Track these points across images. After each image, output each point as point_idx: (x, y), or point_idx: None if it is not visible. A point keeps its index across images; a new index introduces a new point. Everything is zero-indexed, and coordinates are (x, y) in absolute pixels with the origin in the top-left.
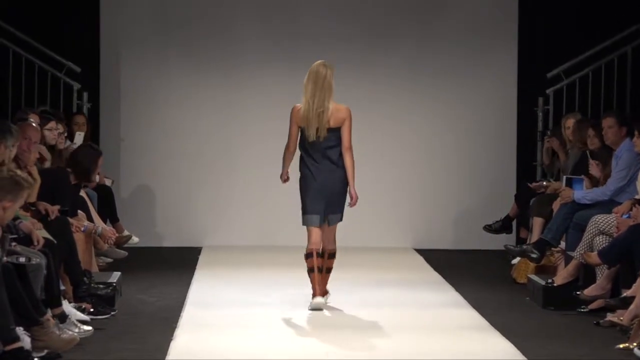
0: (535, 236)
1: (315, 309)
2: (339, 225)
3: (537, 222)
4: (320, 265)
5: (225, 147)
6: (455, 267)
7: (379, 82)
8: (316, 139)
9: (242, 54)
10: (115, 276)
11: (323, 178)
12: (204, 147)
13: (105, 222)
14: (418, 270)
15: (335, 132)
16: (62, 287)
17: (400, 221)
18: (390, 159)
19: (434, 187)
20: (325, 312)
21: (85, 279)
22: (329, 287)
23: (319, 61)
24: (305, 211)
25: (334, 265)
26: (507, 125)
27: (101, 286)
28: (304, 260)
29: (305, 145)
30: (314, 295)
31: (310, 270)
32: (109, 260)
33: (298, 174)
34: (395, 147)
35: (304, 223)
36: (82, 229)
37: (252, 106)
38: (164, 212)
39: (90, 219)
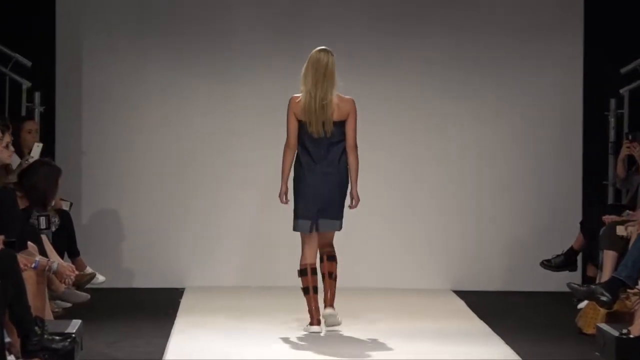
0: (606, 274)
1: (315, 332)
2: (361, 261)
3: (608, 257)
4: (315, 285)
5: (213, 163)
6: (505, 313)
7: (405, 82)
8: (323, 134)
9: (234, 46)
10: (74, 325)
11: (319, 180)
12: (186, 162)
13: (62, 256)
14: (458, 317)
15: (338, 127)
16: (7, 339)
17: (435, 257)
18: (422, 179)
19: (477, 213)
20: None
21: (36, 328)
22: (338, 312)
23: (318, 47)
24: (296, 215)
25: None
26: (570, 135)
27: (57, 338)
28: (298, 277)
29: (305, 142)
30: (311, 323)
31: (305, 291)
32: (67, 305)
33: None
34: (428, 163)
35: (294, 228)
36: (33, 265)
37: (246, 111)
38: (136, 244)
39: (43, 252)
